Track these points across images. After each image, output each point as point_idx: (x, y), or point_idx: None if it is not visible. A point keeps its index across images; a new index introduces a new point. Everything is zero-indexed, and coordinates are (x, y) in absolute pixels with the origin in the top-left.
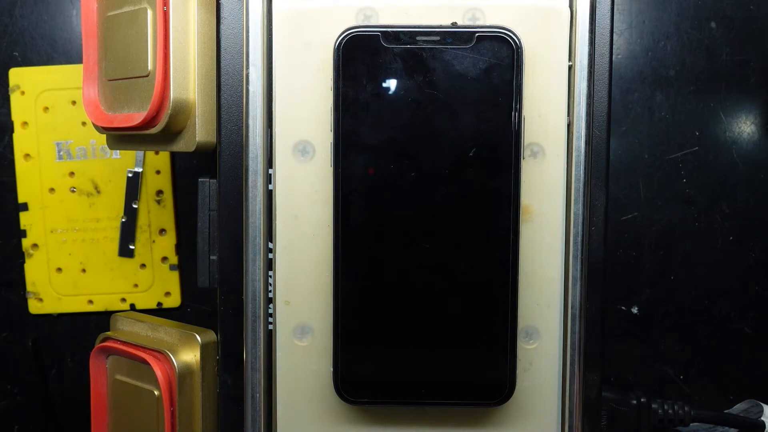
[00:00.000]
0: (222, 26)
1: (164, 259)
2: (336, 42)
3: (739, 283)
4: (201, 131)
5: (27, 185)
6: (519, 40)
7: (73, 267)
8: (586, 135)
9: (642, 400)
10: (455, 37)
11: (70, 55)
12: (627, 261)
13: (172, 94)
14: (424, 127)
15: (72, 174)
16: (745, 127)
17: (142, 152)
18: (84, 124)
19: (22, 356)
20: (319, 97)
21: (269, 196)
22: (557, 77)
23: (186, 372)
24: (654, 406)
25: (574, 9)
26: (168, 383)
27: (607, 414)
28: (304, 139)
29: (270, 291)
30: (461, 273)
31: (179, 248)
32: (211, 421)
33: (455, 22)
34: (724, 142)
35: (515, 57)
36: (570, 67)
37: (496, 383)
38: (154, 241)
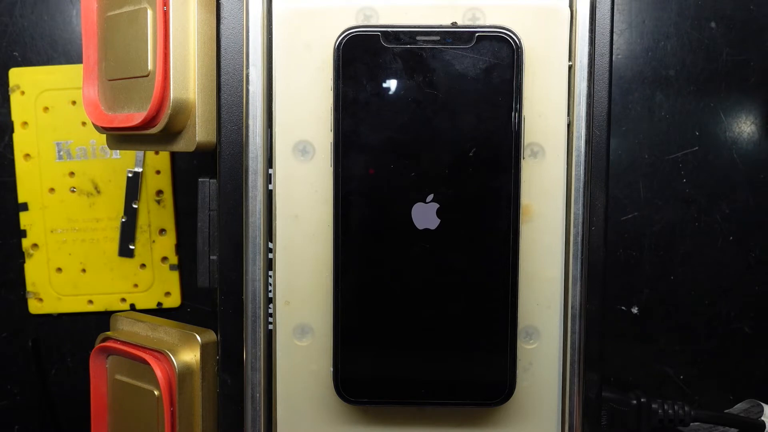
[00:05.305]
0: (222, 26)
1: (164, 259)
2: (336, 42)
3: (739, 283)
4: (201, 131)
5: (27, 185)
6: (519, 40)
7: (73, 267)
8: (586, 135)
9: (642, 400)
10: (455, 37)
11: (70, 55)
12: (627, 261)
13: (172, 94)
14: (424, 127)
15: (72, 174)
16: (745, 127)
17: (142, 152)
18: (84, 124)
19: (22, 356)
20: (319, 97)
21: (269, 196)
22: (557, 77)
23: (186, 372)
24: (654, 406)
25: (574, 9)
26: (168, 383)
27: (607, 414)
28: (304, 139)
29: (270, 291)
30: (461, 273)
31: (179, 248)
32: (211, 421)
33: (455, 22)
34: (724, 142)
35: (515, 57)
36: (570, 67)
37: (496, 383)
38: (154, 241)
